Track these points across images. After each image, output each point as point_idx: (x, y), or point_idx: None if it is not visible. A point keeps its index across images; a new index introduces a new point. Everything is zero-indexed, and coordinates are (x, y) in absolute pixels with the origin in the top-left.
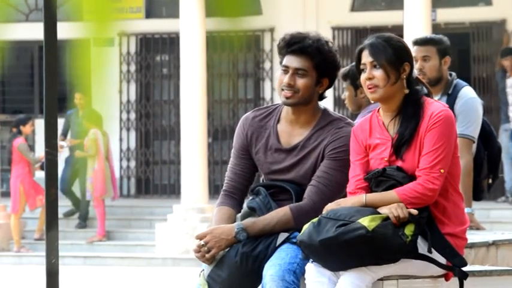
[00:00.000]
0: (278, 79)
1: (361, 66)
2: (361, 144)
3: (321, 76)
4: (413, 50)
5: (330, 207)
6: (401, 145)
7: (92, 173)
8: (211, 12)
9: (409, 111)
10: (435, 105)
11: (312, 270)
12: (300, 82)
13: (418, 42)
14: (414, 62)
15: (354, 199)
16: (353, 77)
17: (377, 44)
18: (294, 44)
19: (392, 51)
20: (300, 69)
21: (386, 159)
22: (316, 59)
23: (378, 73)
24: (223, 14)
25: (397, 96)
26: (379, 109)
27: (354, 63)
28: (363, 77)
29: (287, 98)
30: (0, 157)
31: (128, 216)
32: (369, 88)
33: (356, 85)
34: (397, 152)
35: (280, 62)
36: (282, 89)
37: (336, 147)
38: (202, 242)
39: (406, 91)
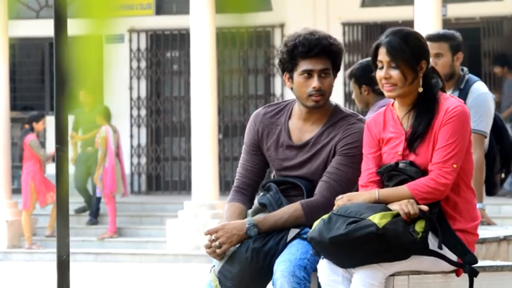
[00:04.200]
0: (298, 85)
1: (378, 63)
2: (375, 138)
3: (334, 70)
4: None
5: (341, 201)
6: (414, 139)
7: (102, 170)
8: (220, 8)
9: (424, 106)
10: (451, 100)
11: (325, 268)
12: (325, 83)
13: (431, 39)
14: None
15: (366, 195)
16: (356, 76)
17: (394, 43)
18: (316, 47)
19: (410, 52)
20: (324, 70)
21: (400, 153)
22: (334, 56)
23: (395, 73)
24: (230, 10)
25: (414, 92)
26: (393, 103)
27: (357, 63)
28: (380, 74)
29: (317, 102)
30: (11, 154)
31: (139, 212)
32: (385, 86)
33: (360, 83)
34: (410, 147)
35: (290, 68)
36: (310, 95)
37: (348, 143)
38: (213, 237)
39: (420, 89)
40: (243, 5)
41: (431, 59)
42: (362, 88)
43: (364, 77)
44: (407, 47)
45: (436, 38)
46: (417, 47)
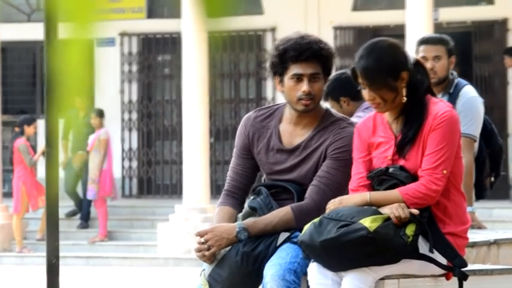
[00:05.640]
0: (288, 88)
1: (360, 83)
2: (364, 142)
3: (324, 74)
4: (422, 48)
5: (332, 205)
6: (404, 145)
7: (99, 173)
8: (209, 12)
9: (413, 112)
10: (440, 105)
11: (315, 272)
12: (315, 87)
13: (429, 41)
14: (424, 61)
15: (357, 197)
16: (330, 92)
17: (370, 69)
18: (306, 51)
19: (386, 72)
20: (314, 74)
21: (389, 157)
22: (324, 60)
23: (376, 95)
24: (215, 14)
25: (400, 103)
26: None
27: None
28: (364, 94)
29: (307, 106)
30: (1, 157)
31: (130, 216)
32: (372, 105)
33: (337, 98)
34: (400, 152)
35: (280, 72)
36: (300, 99)
37: (338, 147)
38: (202, 240)
39: (404, 99)
40: (228, 9)
41: (430, 62)
42: (341, 101)
43: (338, 90)
44: (384, 67)
45: (435, 41)
46: (393, 63)
